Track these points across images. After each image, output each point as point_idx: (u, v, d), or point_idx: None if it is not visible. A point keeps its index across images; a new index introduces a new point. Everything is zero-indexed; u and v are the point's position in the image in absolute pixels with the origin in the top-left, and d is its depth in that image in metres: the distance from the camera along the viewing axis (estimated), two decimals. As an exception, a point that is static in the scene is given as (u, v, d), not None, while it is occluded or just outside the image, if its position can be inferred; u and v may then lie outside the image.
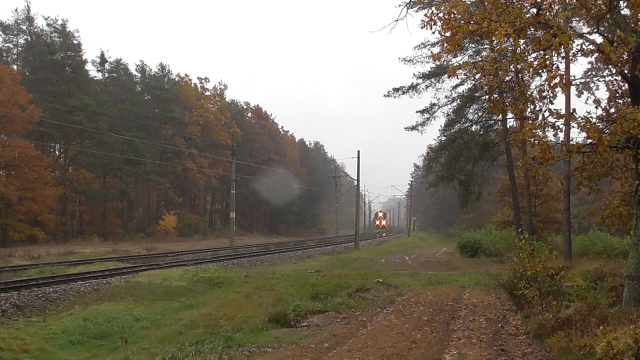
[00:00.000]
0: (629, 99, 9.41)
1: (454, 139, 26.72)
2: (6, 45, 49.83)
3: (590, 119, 8.33)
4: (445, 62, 23.60)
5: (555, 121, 8.60)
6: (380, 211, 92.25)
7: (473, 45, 24.77)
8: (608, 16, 8.87)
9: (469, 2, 9.25)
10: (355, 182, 51.44)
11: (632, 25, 8.80)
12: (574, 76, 17.40)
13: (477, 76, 9.47)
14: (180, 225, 54.96)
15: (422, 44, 27.43)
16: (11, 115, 38.17)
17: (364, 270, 23.51)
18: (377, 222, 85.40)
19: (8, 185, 37.88)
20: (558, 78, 7.82)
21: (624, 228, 15.17)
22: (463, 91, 26.98)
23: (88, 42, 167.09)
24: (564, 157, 9.58)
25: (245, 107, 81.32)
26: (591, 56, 8.77)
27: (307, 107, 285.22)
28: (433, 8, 8.44)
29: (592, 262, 16.98)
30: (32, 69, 48.23)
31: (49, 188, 40.44)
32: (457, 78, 19.72)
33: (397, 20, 11.17)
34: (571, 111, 8.99)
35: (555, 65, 8.04)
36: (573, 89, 14.36)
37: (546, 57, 7.84)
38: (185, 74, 71.55)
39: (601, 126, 9.04)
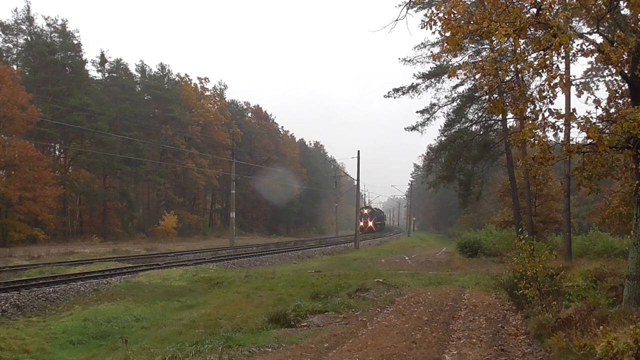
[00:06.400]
0: (629, 99, 9.41)
1: (454, 139, 26.72)
2: (6, 45, 49.83)
3: (590, 119, 8.33)
4: (445, 62, 23.57)
5: (555, 121, 8.61)
6: (366, 207, 71.79)
7: (473, 45, 24.76)
8: (608, 16, 8.88)
9: (469, 2, 9.24)
10: (355, 182, 51.44)
11: (632, 25, 8.80)
12: (574, 76, 17.43)
13: (477, 76, 9.47)
14: (180, 225, 54.93)
15: (422, 44, 27.44)
16: (11, 115, 38.16)
17: (364, 270, 23.50)
18: (362, 223, 64.54)
19: (8, 185, 37.87)
20: (558, 78, 7.82)
21: (624, 228, 15.20)
22: (463, 91, 27.01)
23: (88, 42, 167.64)
24: (564, 157, 9.57)
25: (245, 107, 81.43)
26: (591, 56, 8.78)
27: (309, 107, 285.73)
28: (433, 8, 8.44)
29: (592, 262, 16.97)
30: (32, 69, 48.20)
31: (49, 188, 40.42)
32: (457, 78, 19.60)
33: (397, 20, 11.19)
34: (571, 111, 8.99)
35: (555, 65, 8.04)
36: (573, 89, 14.37)
37: (546, 57, 7.84)
38: (185, 74, 71.70)
39: (601, 126, 9.04)
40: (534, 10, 8.31)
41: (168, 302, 16.84)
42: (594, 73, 22.68)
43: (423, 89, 27.41)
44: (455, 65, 16.75)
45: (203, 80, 69.64)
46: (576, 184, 10.42)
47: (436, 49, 25.41)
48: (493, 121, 27.48)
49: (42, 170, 40.30)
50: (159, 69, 63.55)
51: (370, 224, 70.42)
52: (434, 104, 27.70)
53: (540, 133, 8.59)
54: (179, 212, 55.90)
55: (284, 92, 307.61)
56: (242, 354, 8.14)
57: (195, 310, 14.74)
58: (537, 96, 8.46)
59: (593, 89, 23.51)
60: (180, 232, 54.33)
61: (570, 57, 11.93)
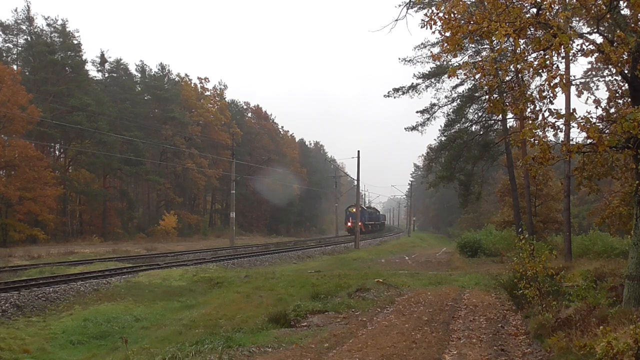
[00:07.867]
0: (629, 99, 9.40)
1: (454, 139, 26.71)
2: (6, 45, 49.79)
3: (590, 119, 8.33)
4: (445, 62, 23.58)
5: (555, 121, 8.60)
6: (354, 206, 55.44)
7: (473, 45, 24.74)
8: (608, 16, 8.87)
9: (469, 2, 9.24)
10: (355, 182, 51.39)
11: (632, 25, 8.80)
12: (574, 76, 17.43)
13: (477, 76, 9.46)
14: (180, 225, 54.92)
15: (422, 44, 27.40)
16: (11, 115, 38.14)
17: (364, 270, 23.49)
18: (350, 223, 62.66)
19: (8, 185, 37.85)
20: (558, 78, 7.81)
21: (624, 228, 15.17)
22: (463, 91, 26.98)
23: (88, 42, 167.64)
24: (564, 157, 9.57)
25: (245, 107, 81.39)
26: (591, 56, 8.78)
27: (310, 107, 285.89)
28: (433, 8, 8.44)
29: (592, 262, 16.98)
30: (32, 69, 48.17)
31: (49, 188, 40.42)
32: (457, 78, 19.66)
33: (397, 20, 11.20)
34: (571, 111, 8.98)
35: (555, 65, 8.04)
36: (573, 89, 14.37)
37: (546, 57, 7.84)
38: (185, 74, 71.72)
39: (601, 126, 9.03)
40: (534, 10, 8.31)
41: (168, 302, 16.84)
42: (594, 73, 22.69)
43: (423, 89, 27.41)
44: (455, 65, 16.75)
45: (203, 80, 69.74)
46: (576, 184, 10.41)
47: (436, 49, 25.41)
48: (493, 121, 27.47)
49: (42, 170, 40.27)
50: (159, 69, 63.59)
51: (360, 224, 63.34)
52: (434, 104, 27.70)
53: (540, 133, 8.59)
54: (179, 212, 55.88)
55: (284, 92, 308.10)
56: (242, 354, 8.14)
57: (195, 310, 14.75)
58: (537, 96, 8.46)
59: (593, 89, 23.52)
60: (180, 232, 54.32)
61: (570, 57, 11.93)
